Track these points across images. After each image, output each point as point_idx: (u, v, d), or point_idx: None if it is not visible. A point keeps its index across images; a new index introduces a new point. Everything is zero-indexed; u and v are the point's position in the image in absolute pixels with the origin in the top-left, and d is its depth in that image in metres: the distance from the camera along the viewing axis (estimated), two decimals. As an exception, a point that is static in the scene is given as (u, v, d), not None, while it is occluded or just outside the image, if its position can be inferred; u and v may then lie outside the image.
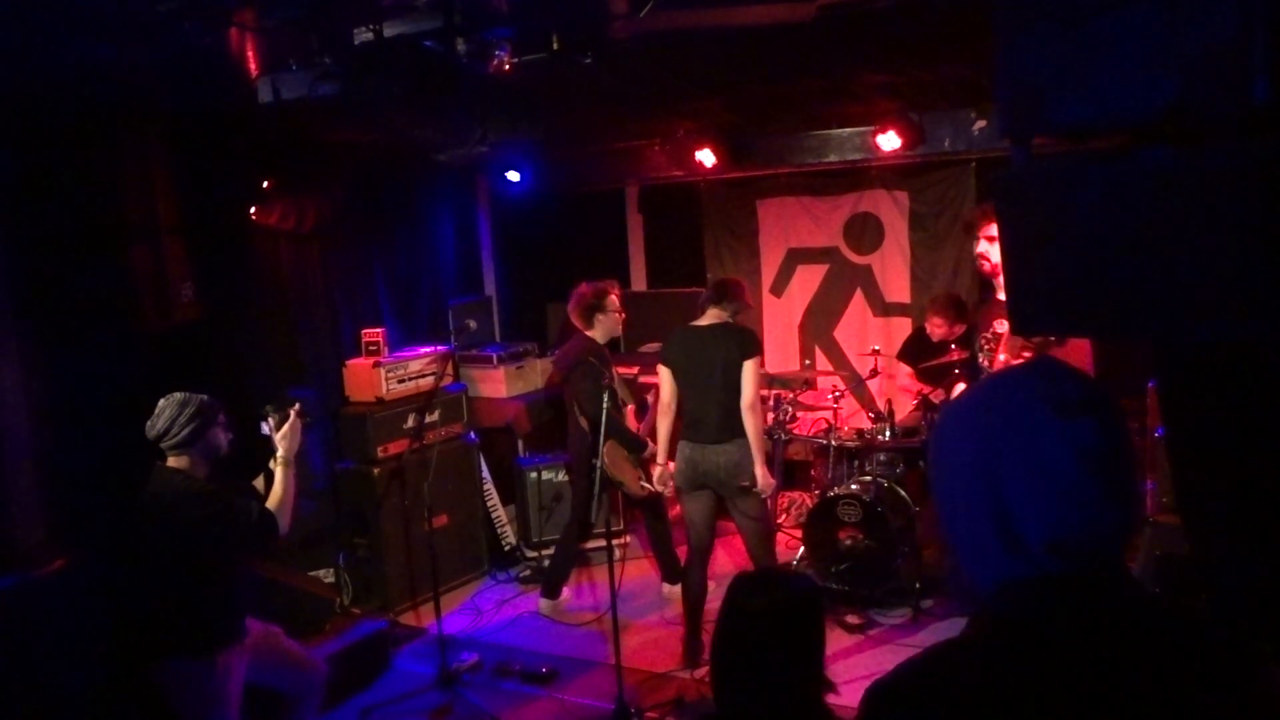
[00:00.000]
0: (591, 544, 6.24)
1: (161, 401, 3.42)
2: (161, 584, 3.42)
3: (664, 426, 4.99)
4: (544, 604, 5.81)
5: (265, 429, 3.68)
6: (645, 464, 5.59)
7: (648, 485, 5.49)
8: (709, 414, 4.77)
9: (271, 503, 3.54)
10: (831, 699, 2.25)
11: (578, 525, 5.85)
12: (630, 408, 5.83)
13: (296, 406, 3.75)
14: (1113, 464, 1.16)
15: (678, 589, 5.33)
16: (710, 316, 4.83)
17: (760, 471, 4.75)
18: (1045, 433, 1.16)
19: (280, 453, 3.64)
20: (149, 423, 3.40)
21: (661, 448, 5.04)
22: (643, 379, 6.69)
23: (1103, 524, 1.16)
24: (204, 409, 3.42)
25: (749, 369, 4.69)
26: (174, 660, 3.42)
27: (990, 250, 4.43)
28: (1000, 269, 4.38)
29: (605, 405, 4.81)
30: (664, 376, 4.94)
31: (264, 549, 4.09)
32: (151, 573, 3.44)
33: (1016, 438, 1.17)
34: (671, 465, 4.99)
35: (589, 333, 5.57)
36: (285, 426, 3.67)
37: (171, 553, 3.38)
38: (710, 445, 4.76)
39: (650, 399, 5.22)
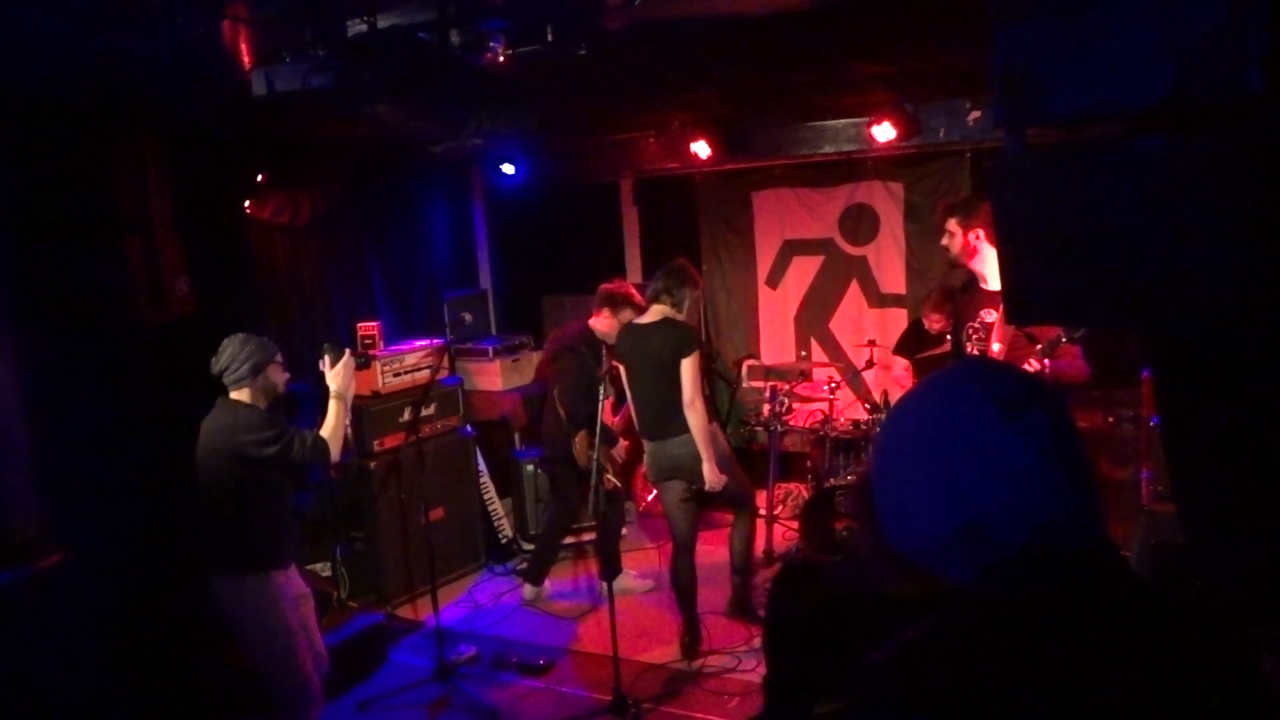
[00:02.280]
0: (589, 536, 6.25)
1: (224, 341, 3.79)
2: (220, 502, 3.70)
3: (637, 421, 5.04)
4: (528, 590, 5.83)
5: (321, 366, 4.07)
6: (613, 458, 5.63)
7: (612, 479, 5.52)
8: (655, 412, 4.83)
9: (325, 431, 3.88)
10: None
11: (565, 513, 5.87)
12: (609, 400, 5.83)
13: (348, 350, 4.12)
14: (1070, 453, 1.16)
15: (618, 584, 5.29)
16: (654, 313, 4.84)
17: (707, 469, 4.75)
18: (999, 435, 1.15)
19: (334, 387, 4.00)
20: (213, 360, 3.76)
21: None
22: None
23: (1073, 513, 1.16)
24: (262, 346, 3.80)
25: (686, 367, 4.69)
26: (228, 576, 3.73)
27: (951, 243, 4.44)
28: (963, 256, 4.38)
29: (601, 396, 4.83)
30: (623, 375, 5.02)
31: (318, 468, 4.58)
32: (210, 492, 3.71)
33: (971, 447, 1.16)
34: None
35: (591, 320, 5.57)
36: (340, 364, 4.02)
37: (230, 472, 3.67)
38: (667, 440, 4.81)
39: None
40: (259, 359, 3.76)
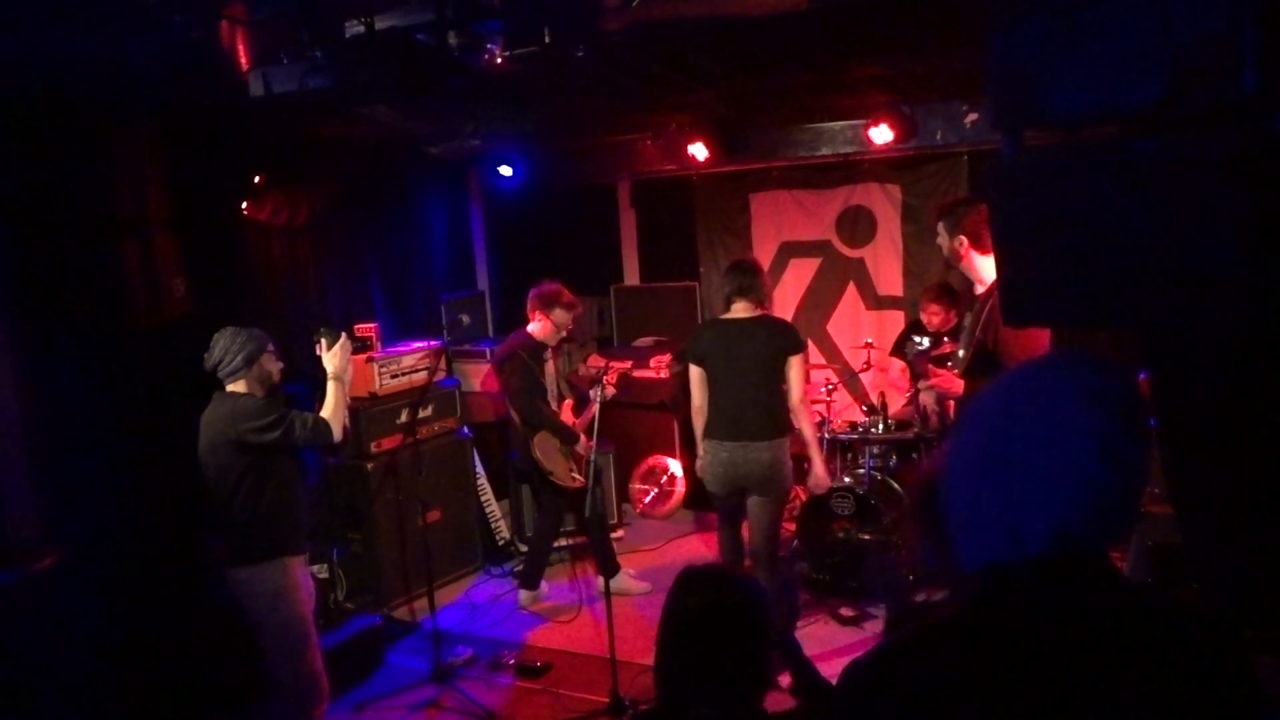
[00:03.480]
0: (585, 538, 6.25)
1: (215, 335, 3.80)
2: (229, 494, 3.72)
3: (699, 427, 4.79)
4: (524, 595, 5.83)
5: (317, 350, 4.07)
6: (577, 457, 5.64)
7: (578, 477, 5.54)
8: (749, 412, 4.60)
9: (325, 412, 3.91)
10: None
11: (551, 518, 5.89)
12: (567, 402, 5.85)
13: (343, 333, 4.13)
14: (1132, 458, 1.16)
15: (616, 583, 5.34)
16: (742, 309, 4.66)
17: (820, 470, 4.72)
18: (1071, 424, 1.16)
19: (331, 370, 4.00)
20: (205, 355, 3.77)
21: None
22: (636, 373, 6.69)
23: (1110, 517, 1.17)
24: (253, 337, 3.81)
25: (796, 365, 4.59)
26: (246, 567, 3.74)
27: (942, 244, 4.43)
28: (953, 260, 4.36)
29: (598, 396, 4.81)
30: (694, 376, 4.73)
31: (322, 450, 4.66)
32: (218, 485, 3.72)
33: (1040, 426, 1.17)
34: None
35: (529, 326, 5.62)
36: (335, 346, 4.03)
37: (236, 461, 3.69)
38: (751, 444, 4.61)
39: (594, 394, 5.10)
40: (251, 349, 3.78)
